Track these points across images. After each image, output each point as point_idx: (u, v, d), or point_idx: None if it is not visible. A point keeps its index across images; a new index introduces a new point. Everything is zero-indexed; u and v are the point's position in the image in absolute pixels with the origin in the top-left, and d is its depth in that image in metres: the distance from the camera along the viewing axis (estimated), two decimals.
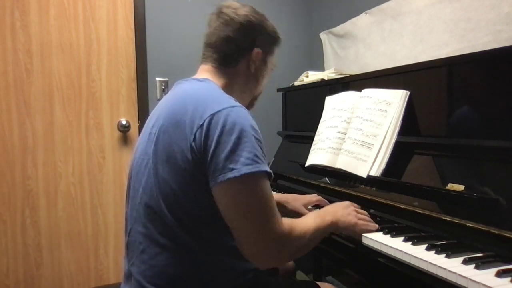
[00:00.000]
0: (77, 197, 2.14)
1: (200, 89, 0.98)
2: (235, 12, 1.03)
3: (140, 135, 1.06)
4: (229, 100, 0.92)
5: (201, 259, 0.92)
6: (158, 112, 1.01)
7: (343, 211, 1.06)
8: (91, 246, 2.17)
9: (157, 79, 2.28)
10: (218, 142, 0.85)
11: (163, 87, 2.29)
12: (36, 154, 2.05)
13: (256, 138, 0.88)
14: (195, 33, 2.42)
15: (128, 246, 1.00)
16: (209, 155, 0.85)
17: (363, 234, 1.06)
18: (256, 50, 1.05)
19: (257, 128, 0.90)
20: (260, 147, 0.89)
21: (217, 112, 0.87)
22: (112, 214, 2.21)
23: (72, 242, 2.13)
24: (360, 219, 1.07)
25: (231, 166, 0.83)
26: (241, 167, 0.83)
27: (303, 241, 0.92)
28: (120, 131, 2.21)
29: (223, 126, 0.85)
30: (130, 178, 1.04)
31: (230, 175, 0.83)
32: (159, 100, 2.27)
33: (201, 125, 0.86)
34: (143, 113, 2.24)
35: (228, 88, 1.02)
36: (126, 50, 2.21)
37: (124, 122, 2.20)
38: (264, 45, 1.07)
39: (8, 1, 1.97)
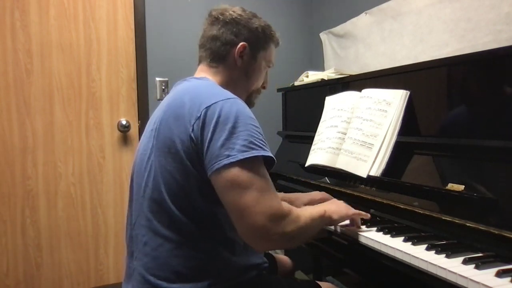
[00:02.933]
0: (77, 197, 2.14)
1: (198, 85, 1.02)
2: (221, 13, 1.08)
3: (143, 134, 1.08)
4: (225, 93, 0.95)
5: (204, 252, 0.93)
6: (158, 112, 1.04)
7: (333, 203, 1.12)
8: (91, 246, 2.18)
9: (157, 79, 2.28)
10: (213, 132, 0.87)
11: (163, 87, 2.29)
12: (36, 154, 2.05)
13: (253, 125, 0.90)
14: (195, 33, 2.40)
15: (131, 241, 1.01)
16: (206, 145, 0.88)
17: (362, 234, 1.06)
18: (241, 43, 1.07)
19: (253, 116, 0.92)
20: (259, 133, 0.90)
21: (213, 104, 0.90)
22: (112, 214, 2.21)
23: (72, 242, 2.13)
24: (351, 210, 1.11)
25: (226, 153, 0.85)
26: (237, 154, 0.85)
27: (299, 225, 0.91)
28: (120, 131, 2.21)
29: (218, 117, 0.88)
30: (132, 175, 1.06)
31: (226, 161, 0.85)
32: (159, 100, 2.28)
33: (198, 117, 0.89)
34: (143, 113, 2.24)
35: (223, 85, 1.05)
36: (126, 50, 2.21)
37: (124, 122, 2.20)
38: (251, 40, 1.08)
39: (8, 1, 1.97)
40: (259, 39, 1.10)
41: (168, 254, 0.92)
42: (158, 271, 0.92)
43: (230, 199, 0.86)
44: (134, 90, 2.24)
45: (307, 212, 0.96)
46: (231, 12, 1.08)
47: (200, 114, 0.89)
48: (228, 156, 0.85)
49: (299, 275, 2.23)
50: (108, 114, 2.19)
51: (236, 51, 1.07)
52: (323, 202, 1.35)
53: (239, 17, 1.08)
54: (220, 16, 1.08)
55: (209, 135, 0.87)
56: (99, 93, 2.16)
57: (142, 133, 2.22)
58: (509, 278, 0.75)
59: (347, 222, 1.14)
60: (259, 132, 0.91)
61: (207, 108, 0.90)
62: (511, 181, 0.94)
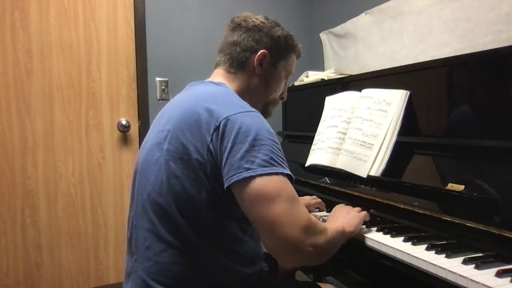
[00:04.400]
0: (77, 197, 2.14)
1: (217, 92, 1.00)
2: (244, 20, 1.08)
3: (149, 133, 1.05)
4: (244, 105, 0.94)
5: (207, 260, 0.92)
6: (170, 111, 1.00)
7: (343, 213, 1.08)
8: (91, 246, 2.18)
9: (157, 79, 2.28)
10: (234, 143, 0.85)
11: (163, 87, 2.29)
12: (36, 154, 2.05)
13: (273, 141, 0.88)
14: (195, 33, 2.43)
15: (132, 242, 0.99)
16: (225, 156, 0.85)
17: (362, 234, 1.06)
18: (261, 51, 1.06)
19: (273, 132, 0.91)
20: (278, 149, 0.88)
21: (233, 114, 0.88)
22: (112, 214, 2.21)
23: (72, 242, 2.13)
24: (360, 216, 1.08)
25: (246, 165, 0.83)
26: (257, 168, 0.82)
27: (328, 237, 0.88)
28: (120, 131, 2.21)
29: (239, 128, 0.86)
30: (135, 174, 1.03)
31: (246, 174, 0.82)
32: (159, 100, 2.28)
33: (217, 127, 0.87)
34: (143, 113, 2.24)
35: (240, 93, 1.03)
36: (126, 50, 2.21)
37: (124, 122, 2.20)
38: (272, 48, 1.07)
39: (8, 1, 1.97)
40: (281, 48, 1.10)
41: (170, 260, 0.90)
42: (159, 276, 0.91)
43: (258, 213, 0.82)
44: (134, 90, 2.24)
45: (331, 227, 0.94)
46: (253, 19, 1.08)
47: (219, 124, 0.87)
48: (248, 169, 0.82)
49: (299, 275, 2.23)
50: (108, 114, 2.19)
51: (256, 58, 1.05)
52: (318, 207, 1.36)
53: (261, 24, 1.07)
54: (242, 23, 1.07)
55: (229, 145, 0.85)
56: (99, 93, 2.16)
57: (142, 133, 2.24)
58: (509, 278, 0.75)
59: None
60: (278, 149, 0.89)
61: (227, 118, 0.87)
62: (511, 181, 0.94)
